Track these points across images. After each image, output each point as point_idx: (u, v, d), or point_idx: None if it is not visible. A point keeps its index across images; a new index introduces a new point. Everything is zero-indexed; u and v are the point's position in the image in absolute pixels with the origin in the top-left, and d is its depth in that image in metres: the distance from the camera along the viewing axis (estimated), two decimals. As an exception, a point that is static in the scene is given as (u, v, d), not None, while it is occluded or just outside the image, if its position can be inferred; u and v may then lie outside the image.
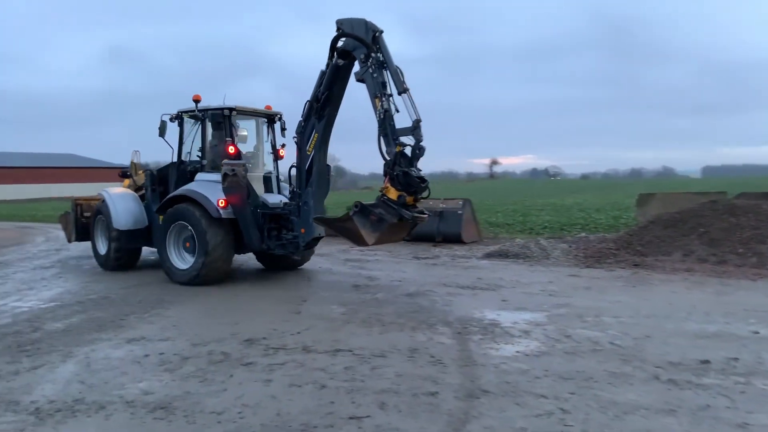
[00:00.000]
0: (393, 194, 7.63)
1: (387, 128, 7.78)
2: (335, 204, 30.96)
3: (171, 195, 9.98)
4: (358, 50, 8.19)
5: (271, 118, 10.84)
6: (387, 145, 7.76)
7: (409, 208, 7.77)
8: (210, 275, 9.28)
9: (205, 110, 10.10)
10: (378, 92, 7.90)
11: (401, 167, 7.63)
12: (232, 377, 4.95)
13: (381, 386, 4.67)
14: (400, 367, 5.15)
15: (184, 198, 9.59)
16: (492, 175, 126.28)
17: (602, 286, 8.71)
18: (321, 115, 8.88)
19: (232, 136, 9.85)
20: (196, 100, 10.07)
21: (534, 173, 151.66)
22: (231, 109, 9.90)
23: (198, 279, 9.25)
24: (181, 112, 10.48)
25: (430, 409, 4.21)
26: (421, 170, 7.83)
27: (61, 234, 16.72)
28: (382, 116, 7.83)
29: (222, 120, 10.00)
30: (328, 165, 9.55)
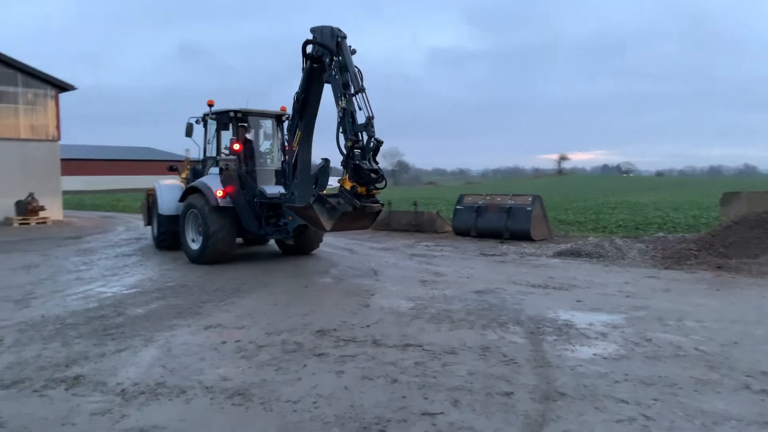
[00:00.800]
0: (347, 185, 8.55)
1: (345, 125, 8.63)
2: (399, 199, 31.00)
3: (187, 186, 11.66)
4: (324, 55, 9.04)
5: (279, 117, 12.18)
6: (345, 140, 8.61)
7: (361, 198, 8.60)
8: (212, 255, 10.71)
9: (216, 113, 11.67)
10: (339, 92, 8.75)
11: (353, 160, 8.47)
12: (305, 367, 5.02)
13: (453, 383, 4.62)
14: (471, 365, 5.07)
15: (197, 189, 11.07)
16: (560, 171, 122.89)
17: (683, 289, 8.30)
18: (302, 114, 9.78)
19: (237, 135, 11.45)
20: (210, 105, 11.66)
21: (605, 169, 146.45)
22: (236, 111, 11.41)
23: (202, 257, 10.77)
24: (205, 115, 11.89)
25: (504, 409, 4.13)
26: (377, 163, 8.67)
27: (141, 223, 17.57)
28: (341, 114, 8.68)
29: (228, 121, 11.57)
30: (327, 159, 10.64)
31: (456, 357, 5.29)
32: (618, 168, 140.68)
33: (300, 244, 11.95)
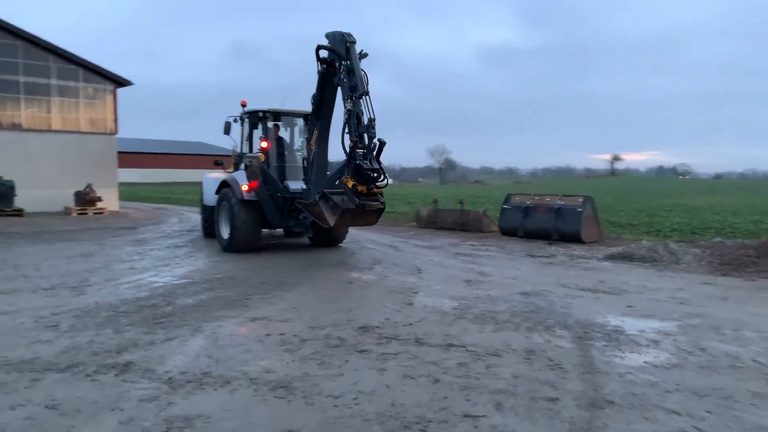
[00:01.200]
0: (349, 183, 9.00)
1: (351, 126, 9.12)
2: (445, 197, 30.82)
3: (221, 180, 12.38)
4: (335, 59, 9.64)
5: (307, 116, 12.33)
6: (349, 140, 9.12)
7: (361, 196, 9.03)
8: (239, 244, 11.50)
9: (248, 113, 12.54)
10: (346, 95, 9.29)
11: (355, 160, 8.97)
12: (347, 362, 5.03)
13: (496, 386, 4.54)
14: (516, 368, 4.98)
15: (228, 183, 11.91)
16: (613, 172, 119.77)
17: (741, 297, 7.93)
18: (318, 115, 10.41)
19: (266, 133, 12.26)
20: (243, 105, 12.54)
21: (660, 171, 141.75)
22: (264, 112, 12.25)
23: (231, 246, 11.58)
24: (242, 114, 12.73)
25: (549, 415, 4.02)
26: (379, 163, 9.13)
27: (193, 216, 18.01)
28: (347, 116, 9.19)
29: (257, 120, 12.40)
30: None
31: (500, 359, 5.20)
32: (674, 170, 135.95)
33: (324, 238, 12.63)
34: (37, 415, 3.89)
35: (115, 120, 23.19)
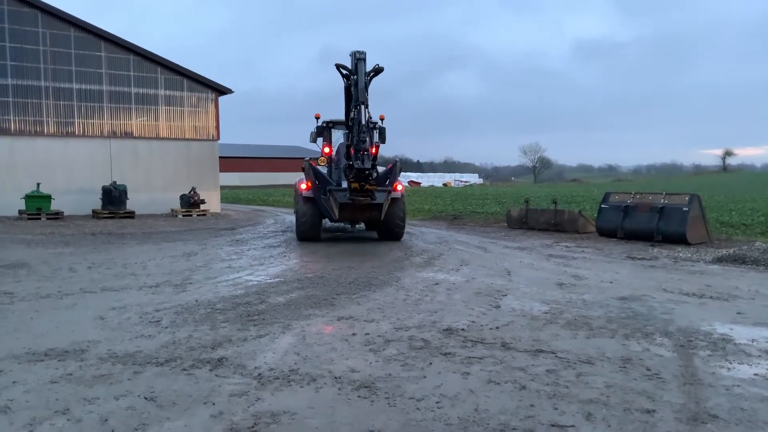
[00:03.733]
0: (347, 182, 11.37)
1: (353, 131, 11.17)
2: (537, 196, 29.90)
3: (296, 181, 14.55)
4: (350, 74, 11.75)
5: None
6: (350, 143, 11.18)
7: (352, 192, 11.42)
8: (302, 234, 13.95)
9: (321, 123, 14.45)
10: (352, 104, 11.47)
11: (349, 161, 11.08)
12: (431, 365, 4.98)
13: (588, 395, 4.31)
14: (609, 377, 4.71)
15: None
16: (725, 168, 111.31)
17: None
18: (346, 124, 12.26)
19: (329, 140, 14.71)
20: (317, 118, 14.25)
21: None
22: (327, 122, 14.61)
23: (297, 235, 14.19)
24: (323, 124, 14.61)
25: (644, 428, 3.76)
26: (370, 163, 10.94)
27: (288, 217, 18.66)
28: (350, 123, 11.40)
29: (323, 129, 14.47)
30: (396, 160, 13.95)
31: (592, 367, 4.94)
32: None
33: (381, 232, 14.28)
34: (137, 405, 4.15)
35: (217, 127, 24.49)
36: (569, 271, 9.75)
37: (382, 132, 13.73)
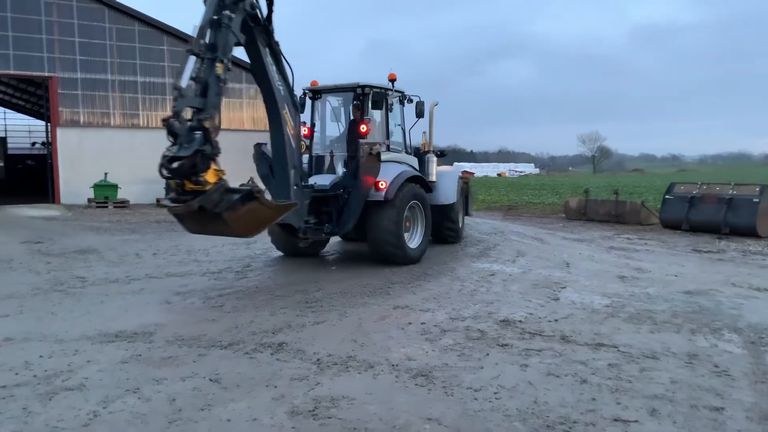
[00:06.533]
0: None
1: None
2: (598, 187, 29.09)
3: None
4: None
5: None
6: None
7: (173, 193, 6.67)
8: (275, 246, 10.31)
9: (302, 92, 10.20)
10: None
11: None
12: (488, 356, 4.95)
13: (652, 391, 4.19)
14: (675, 372, 4.56)
15: None
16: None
17: None
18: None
19: (318, 116, 10.43)
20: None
21: None
22: (306, 90, 10.14)
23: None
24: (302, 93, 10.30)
25: (713, 425, 3.63)
26: (193, 149, 6.29)
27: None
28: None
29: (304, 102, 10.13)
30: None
31: (656, 362, 4.79)
32: None
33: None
34: (202, 386, 4.31)
35: (274, 117, 24.91)
36: (631, 263, 9.45)
37: (417, 105, 10.37)
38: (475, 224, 15.93)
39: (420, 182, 9.80)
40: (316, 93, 10.19)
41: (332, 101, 10.50)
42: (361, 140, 9.05)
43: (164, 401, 4.04)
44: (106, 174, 21.04)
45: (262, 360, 4.89)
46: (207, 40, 6.56)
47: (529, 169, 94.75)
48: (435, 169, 11.01)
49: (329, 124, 10.59)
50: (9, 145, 46.41)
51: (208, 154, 6.37)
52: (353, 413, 3.85)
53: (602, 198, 18.23)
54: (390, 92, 9.93)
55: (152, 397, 4.10)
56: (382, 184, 8.81)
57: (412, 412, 3.88)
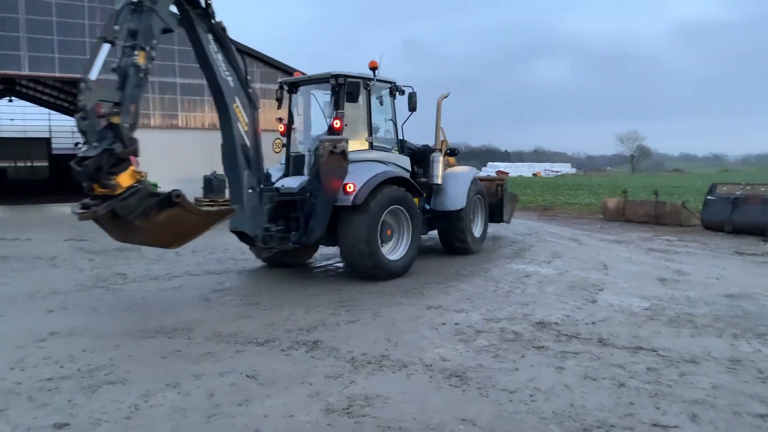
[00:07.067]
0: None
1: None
2: (637, 187, 28.47)
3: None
4: None
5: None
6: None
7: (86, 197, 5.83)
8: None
9: (279, 84, 9.37)
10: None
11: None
12: (523, 358, 4.90)
13: (692, 396, 4.09)
14: (716, 378, 4.44)
15: None
16: None
17: None
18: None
19: (298, 111, 9.38)
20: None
21: None
22: (282, 83, 9.25)
23: None
24: (279, 84, 9.48)
25: (757, 433, 3.53)
26: (109, 147, 5.55)
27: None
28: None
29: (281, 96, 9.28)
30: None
31: (697, 367, 4.68)
32: None
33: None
34: (240, 382, 4.39)
35: (309, 118, 25.14)
36: (671, 266, 9.23)
37: (410, 97, 9.26)
38: (508, 225, 15.77)
39: (406, 185, 8.65)
40: (293, 85, 9.16)
41: (317, 94, 9.29)
42: (323, 137, 8.05)
43: (203, 396, 4.13)
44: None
45: (297, 357, 4.95)
46: (133, 25, 5.87)
47: (566, 168, 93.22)
48: (441, 171, 9.98)
49: (321, 121, 9.05)
50: (53, 146, 48.06)
51: (118, 153, 5.55)
52: (387, 412, 3.87)
53: (641, 198, 17.86)
54: (371, 82, 8.72)
55: (191, 392, 4.20)
56: (350, 187, 7.71)
57: (446, 412, 3.87)
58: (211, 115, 23.51)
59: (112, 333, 5.63)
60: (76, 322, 6.03)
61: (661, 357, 4.91)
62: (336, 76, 8.31)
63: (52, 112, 44.44)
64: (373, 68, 8.85)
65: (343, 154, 7.78)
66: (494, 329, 5.72)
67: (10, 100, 42.37)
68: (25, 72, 21.24)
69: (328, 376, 4.50)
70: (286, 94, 9.21)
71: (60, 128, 46.43)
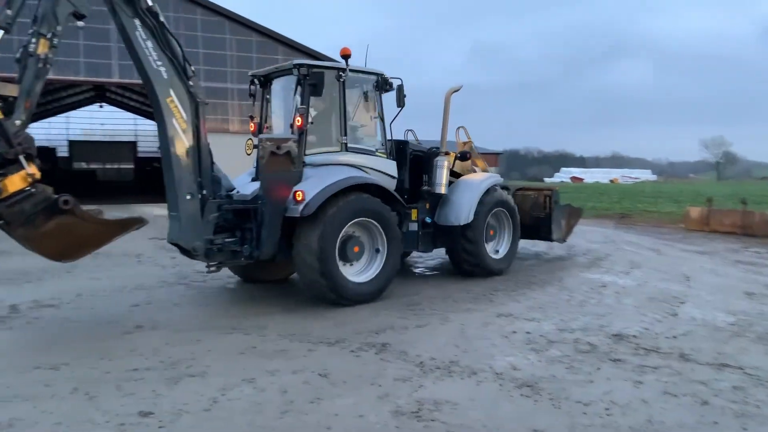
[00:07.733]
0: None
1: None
2: (722, 196, 26.98)
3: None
4: None
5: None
6: None
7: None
8: None
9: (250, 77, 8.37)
10: None
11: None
12: (599, 370, 4.75)
13: (784, 419, 3.84)
14: (812, 401, 4.14)
15: None
16: None
17: None
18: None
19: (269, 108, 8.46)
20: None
21: None
22: (254, 76, 8.23)
23: None
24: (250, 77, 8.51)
25: None
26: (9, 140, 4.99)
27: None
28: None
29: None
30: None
31: (790, 388, 4.38)
32: None
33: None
34: (312, 380, 4.50)
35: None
36: (760, 279, 8.68)
37: (398, 90, 7.99)
38: (583, 233, 15.31)
39: (381, 193, 7.34)
40: (264, 79, 8.08)
41: (288, 88, 7.77)
42: (264, 135, 7.18)
43: (277, 392, 4.26)
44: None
45: (367, 359, 5.01)
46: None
47: (645, 175, 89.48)
48: (445, 178, 8.54)
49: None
50: (139, 149, 50.89)
51: (2, 153, 4.95)
52: (456, 418, 3.86)
53: (727, 208, 16.89)
54: (343, 73, 7.43)
55: (266, 388, 4.34)
56: (299, 195, 6.64)
57: (516, 421, 3.82)
58: (237, 119, 23.96)
59: (192, 328, 5.91)
60: (159, 316, 6.37)
61: (748, 375, 4.64)
62: (298, 66, 7.20)
63: (138, 116, 47.08)
64: (345, 56, 7.48)
65: (289, 155, 6.81)
66: (568, 340, 5.58)
67: (101, 106, 45.22)
68: (115, 79, 22.61)
69: (396, 379, 4.53)
70: (259, 89, 8.14)
71: (145, 132, 49.14)
